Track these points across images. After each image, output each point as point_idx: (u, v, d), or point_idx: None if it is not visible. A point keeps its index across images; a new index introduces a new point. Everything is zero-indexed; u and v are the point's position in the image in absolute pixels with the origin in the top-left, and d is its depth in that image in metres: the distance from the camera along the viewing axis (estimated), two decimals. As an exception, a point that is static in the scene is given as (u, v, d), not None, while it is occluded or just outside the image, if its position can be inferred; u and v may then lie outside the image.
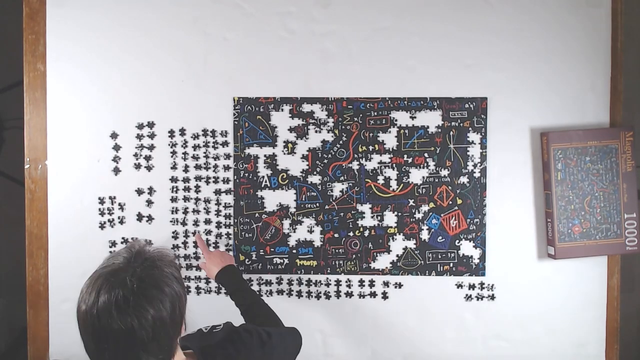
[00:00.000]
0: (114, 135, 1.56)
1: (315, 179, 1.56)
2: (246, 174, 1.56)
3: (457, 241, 1.57)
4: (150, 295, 0.90)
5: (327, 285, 1.57)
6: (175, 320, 0.94)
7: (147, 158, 1.56)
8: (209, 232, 1.56)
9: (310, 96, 1.55)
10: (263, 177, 1.56)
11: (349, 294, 1.57)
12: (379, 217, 1.56)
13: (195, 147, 1.56)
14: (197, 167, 1.56)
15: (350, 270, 1.57)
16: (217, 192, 1.56)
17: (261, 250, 1.57)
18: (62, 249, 1.55)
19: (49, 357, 1.57)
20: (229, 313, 1.57)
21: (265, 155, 1.56)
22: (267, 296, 1.57)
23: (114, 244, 1.56)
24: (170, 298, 0.92)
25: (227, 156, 1.56)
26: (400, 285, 1.57)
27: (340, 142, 1.56)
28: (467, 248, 1.56)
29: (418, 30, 1.55)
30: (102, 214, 1.56)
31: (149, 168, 1.56)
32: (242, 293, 1.38)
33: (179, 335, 0.97)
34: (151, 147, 1.56)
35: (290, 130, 1.56)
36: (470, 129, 1.56)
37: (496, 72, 1.55)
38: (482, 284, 1.57)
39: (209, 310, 1.56)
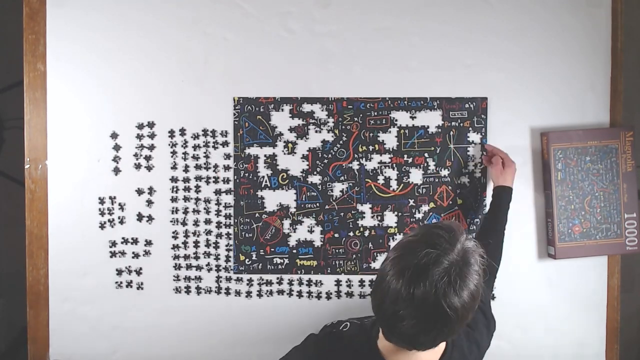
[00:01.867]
0: (114, 135, 1.56)
1: (315, 179, 1.56)
2: (246, 174, 1.56)
3: (457, 241, 1.56)
4: (463, 292, 0.92)
5: (328, 285, 1.57)
6: (471, 314, 0.97)
7: (147, 158, 1.56)
8: (209, 232, 1.56)
9: (310, 96, 1.55)
10: (263, 177, 1.56)
11: (349, 294, 1.57)
12: (379, 217, 1.56)
13: (195, 147, 1.56)
14: (197, 167, 1.56)
15: (350, 270, 1.57)
16: (217, 192, 1.56)
17: (261, 250, 1.57)
18: (62, 249, 1.55)
19: (49, 357, 1.57)
20: (229, 312, 1.57)
21: (265, 155, 1.56)
22: (267, 296, 1.57)
23: (114, 244, 1.56)
24: (474, 294, 0.95)
25: (227, 156, 1.56)
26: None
27: (341, 142, 1.56)
28: (467, 248, 1.56)
29: (418, 30, 1.55)
30: (102, 214, 1.56)
31: (149, 168, 1.56)
32: (501, 214, 1.46)
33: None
34: (151, 147, 1.56)
35: (291, 130, 1.56)
36: (470, 129, 1.56)
37: (496, 72, 1.55)
38: (482, 284, 1.57)
39: (209, 309, 1.57)
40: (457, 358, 1.09)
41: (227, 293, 1.57)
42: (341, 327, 1.15)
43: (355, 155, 1.56)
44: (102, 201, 1.56)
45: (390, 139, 1.56)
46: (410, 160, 1.56)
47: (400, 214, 1.56)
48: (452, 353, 1.08)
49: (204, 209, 1.57)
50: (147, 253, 1.57)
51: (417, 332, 0.94)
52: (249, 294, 1.57)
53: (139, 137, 1.56)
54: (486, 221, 1.51)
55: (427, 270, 0.91)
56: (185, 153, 1.56)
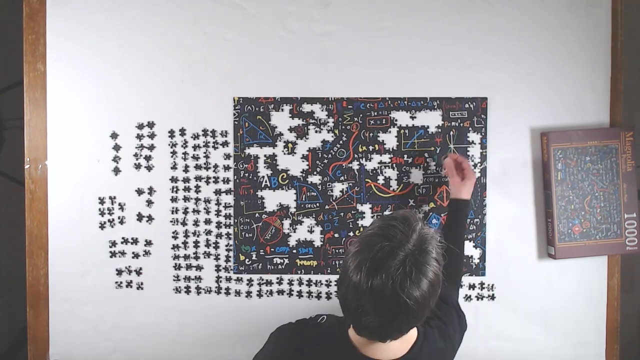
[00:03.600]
0: (114, 135, 1.56)
1: (315, 179, 1.56)
2: (246, 174, 1.56)
3: (457, 241, 1.57)
4: (420, 281, 0.94)
5: (327, 285, 1.57)
6: (432, 303, 0.98)
7: (147, 158, 1.56)
8: (209, 232, 1.56)
9: (310, 96, 1.55)
10: (263, 177, 1.56)
11: (349, 294, 1.57)
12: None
13: (195, 147, 1.56)
14: (197, 167, 1.56)
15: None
16: (217, 192, 1.56)
17: (261, 250, 1.57)
18: (62, 249, 1.55)
19: (49, 357, 1.57)
20: (229, 312, 1.57)
21: (265, 155, 1.56)
22: (267, 296, 1.57)
23: (114, 244, 1.56)
24: (433, 282, 0.96)
25: (227, 156, 1.56)
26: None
27: (340, 142, 1.56)
28: (467, 248, 1.56)
29: (418, 30, 1.55)
30: (102, 214, 1.56)
31: (149, 168, 1.56)
32: (459, 226, 1.45)
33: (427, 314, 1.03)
34: (151, 147, 1.56)
35: (291, 130, 1.56)
36: (470, 129, 1.56)
37: (496, 72, 1.55)
38: (482, 284, 1.57)
39: (209, 309, 1.57)
40: (427, 350, 1.10)
41: (227, 293, 1.57)
42: (319, 320, 1.16)
43: (355, 155, 1.56)
44: (102, 201, 1.56)
45: (390, 139, 1.56)
46: (410, 160, 1.56)
47: (400, 214, 1.56)
48: (423, 344, 1.09)
49: (204, 209, 1.57)
50: (147, 253, 1.57)
51: (380, 324, 0.96)
52: (249, 294, 1.57)
53: (139, 137, 1.56)
54: (445, 235, 1.41)
55: (382, 262, 0.93)
56: (185, 153, 1.56)
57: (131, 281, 1.57)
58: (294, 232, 1.57)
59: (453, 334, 1.21)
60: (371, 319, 0.95)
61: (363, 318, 0.96)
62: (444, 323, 1.20)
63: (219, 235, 1.57)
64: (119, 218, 1.56)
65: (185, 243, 1.57)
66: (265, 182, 1.56)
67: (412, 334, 1.08)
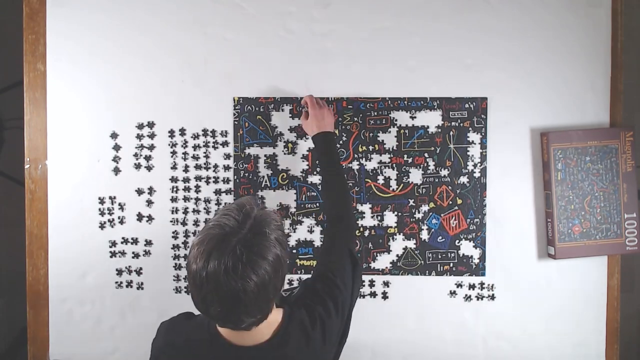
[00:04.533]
0: (114, 135, 1.56)
1: (315, 179, 1.56)
2: (246, 174, 1.56)
3: (457, 241, 1.57)
4: (256, 264, 0.94)
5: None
6: (277, 284, 0.99)
7: (147, 158, 1.56)
8: (209, 232, 1.56)
9: (310, 96, 1.55)
10: (263, 177, 1.56)
11: (349, 294, 1.57)
12: (379, 217, 1.56)
13: (195, 147, 1.56)
14: (197, 167, 1.56)
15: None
16: (217, 192, 1.56)
17: (261, 250, 1.57)
18: (62, 249, 1.55)
19: (49, 357, 1.57)
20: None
21: (265, 155, 1.56)
22: (267, 296, 1.57)
23: (114, 243, 1.56)
24: (273, 263, 0.96)
25: (227, 156, 1.56)
26: (400, 285, 1.57)
27: (340, 142, 1.56)
28: (467, 248, 1.56)
29: (418, 30, 1.55)
30: (102, 214, 1.56)
31: (149, 168, 1.56)
32: (328, 162, 1.41)
33: (278, 297, 1.02)
34: (151, 147, 1.56)
35: (291, 130, 1.56)
36: (470, 129, 1.56)
37: (496, 72, 1.55)
38: (482, 284, 1.57)
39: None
40: (293, 331, 1.07)
41: (227, 293, 1.57)
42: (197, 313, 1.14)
43: (355, 155, 1.56)
44: (102, 201, 1.56)
45: (390, 139, 1.56)
46: (410, 160, 1.56)
47: (400, 214, 1.56)
48: (288, 326, 1.08)
49: (204, 209, 1.57)
50: (147, 253, 1.57)
51: (226, 312, 0.96)
52: (249, 294, 1.57)
53: (139, 137, 1.56)
54: (322, 180, 1.44)
55: (214, 250, 0.94)
56: (185, 153, 1.56)
57: (131, 281, 1.57)
58: (294, 232, 1.57)
59: (329, 329, 1.13)
60: (216, 307, 0.95)
61: (210, 308, 0.96)
62: (325, 313, 1.13)
63: (219, 235, 1.56)
64: (119, 218, 1.56)
65: (185, 243, 1.57)
66: (265, 182, 1.56)
67: (276, 317, 1.07)
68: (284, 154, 1.56)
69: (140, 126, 1.56)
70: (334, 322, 1.14)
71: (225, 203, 1.56)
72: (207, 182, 1.56)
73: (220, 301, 0.94)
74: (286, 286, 1.55)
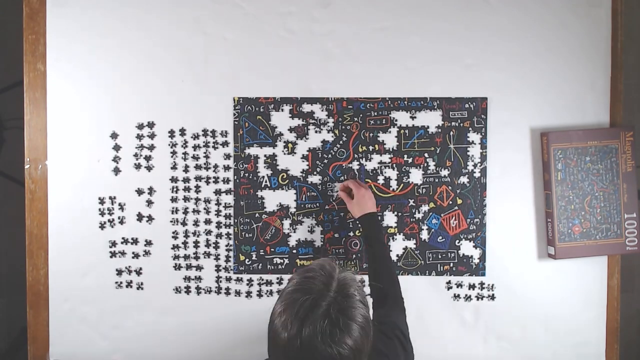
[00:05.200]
0: (114, 135, 1.56)
1: (315, 179, 1.56)
2: (246, 174, 1.56)
3: (457, 241, 1.57)
4: (350, 327, 0.91)
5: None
6: (367, 347, 0.95)
7: (147, 158, 1.56)
8: (209, 232, 1.56)
9: (310, 96, 1.55)
10: (263, 177, 1.56)
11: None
12: (379, 217, 1.56)
13: (195, 147, 1.56)
14: (197, 167, 1.56)
15: (350, 270, 1.57)
16: (217, 192, 1.56)
17: (261, 250, 1.57)
18: (62, 249, 1.55)
19: (49, 357, 1.57)
20: (229, 312, 1.57)
21: (265, 155, 1.56)
22: (267, 296, 1.57)
23: (114, 244, 1.56)
24: (364, 325, 0.94)
25: (227, 156, 1.56)
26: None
27: (341, 142, 1.56)
28: (467, 248, 1.56)
29: (418, 30, 1.55)
30: (102, 214, 1.56)
31: (149, 168, 1.56)
32: (376, 240, 1.42)
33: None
34: (151, 147, 1.56)
35: (291, 130, 1.56)
36: (470, 129, 1.56)
37: (496, 72, 1.55)
38: (482, 284, 1.57)
39: (209, 309, 1.57)
40: None
41: (227, 293, 1.57)
42: None
43: (355, 156, 1.56)
44: (102, 201, 1.56)
45: (390, 139, 1.56)
46: (410, 160, 1.56)
47: (400, 214, 1.56)
48: None
49: (204, 209, 1.57)
50: (147, 253, 1.57)
51: None
52: (249, 294, 1.57)
53: (139, 137, 1.56)
54: (370, 259, 1.44)
55: (307, 316, 0.90)
56: (185, 153, 1.56)
57: (131, 281, 1.57)
58: (294, 232, 1.57)
59: None
60: None
61: None
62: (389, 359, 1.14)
63: (219, 235, 1.57)
64: (119, 218, 1.56)
65: (185, 243, 1.57)
66: (265, 182, 1.56)
67: None
68: (284, 154, 1.56)
69: (140, 126, 1.56)
70: None
71: (225, 203, 1.56)
72: (207, 182, 1.56)
73: None
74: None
